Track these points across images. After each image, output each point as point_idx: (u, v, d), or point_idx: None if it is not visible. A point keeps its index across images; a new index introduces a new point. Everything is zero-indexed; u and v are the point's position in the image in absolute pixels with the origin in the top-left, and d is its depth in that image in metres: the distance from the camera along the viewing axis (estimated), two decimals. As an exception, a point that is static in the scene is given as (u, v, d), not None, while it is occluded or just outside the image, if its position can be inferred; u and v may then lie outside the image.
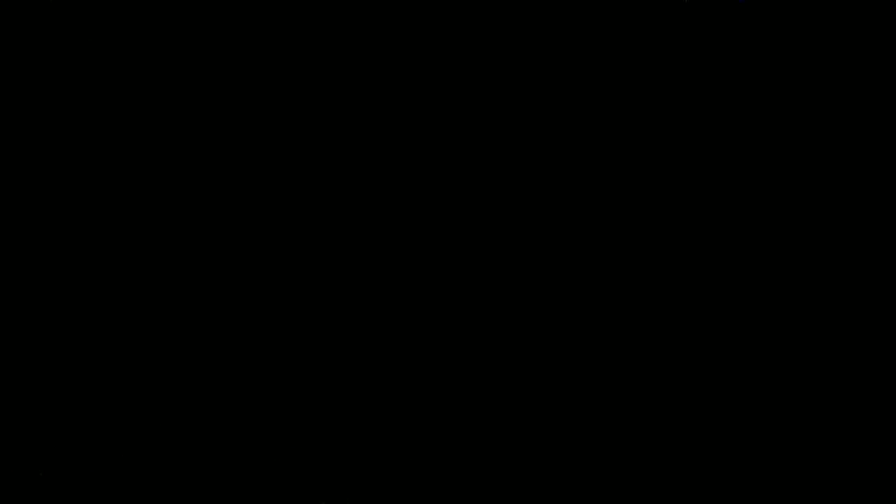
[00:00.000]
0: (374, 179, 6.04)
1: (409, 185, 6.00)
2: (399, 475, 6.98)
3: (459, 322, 6.17)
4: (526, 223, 5.94)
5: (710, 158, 5.62)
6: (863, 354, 5.63)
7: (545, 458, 6.44)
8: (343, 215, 5.99)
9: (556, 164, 5.85)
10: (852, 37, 5.47)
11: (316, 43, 5.66)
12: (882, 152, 5.49)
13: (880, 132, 5.44)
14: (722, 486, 6.10)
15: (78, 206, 5.94)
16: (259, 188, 6.07)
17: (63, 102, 5.77)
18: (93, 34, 5.59)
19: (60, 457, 6.87)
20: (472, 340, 6.25)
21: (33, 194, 6.03)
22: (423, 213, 5.88)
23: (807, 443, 5.95)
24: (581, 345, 6.09)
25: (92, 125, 5.77)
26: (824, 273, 5.58)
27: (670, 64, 5.54)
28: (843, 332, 5.61)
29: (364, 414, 6.67)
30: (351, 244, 5.93)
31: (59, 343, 6.38)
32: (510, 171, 5.75)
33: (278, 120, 5.88)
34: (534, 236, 5.88)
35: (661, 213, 5.80)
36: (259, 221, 5.98)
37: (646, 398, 5.99)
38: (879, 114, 5.39)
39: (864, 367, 5.67)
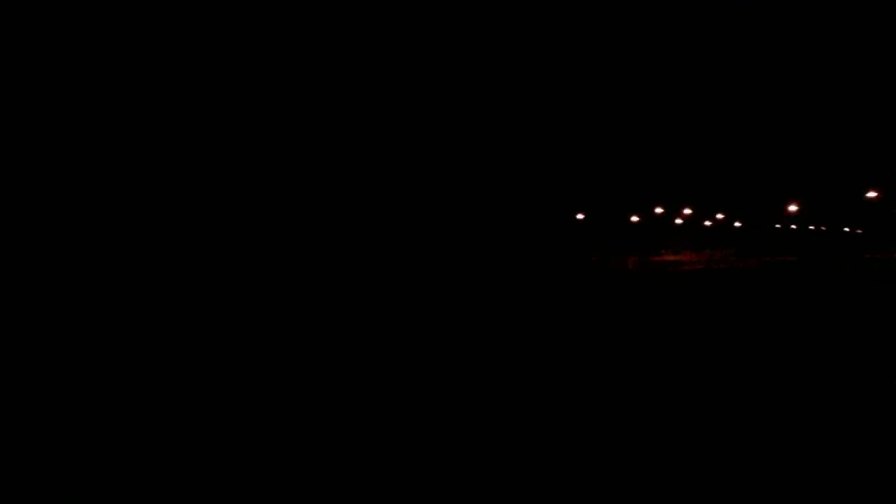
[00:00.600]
0: (369, 184, 6.00)
1: (402, 188, 5.96)
2: (397, 475, 6.92)
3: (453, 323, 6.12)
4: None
5: (712, 157, 5.61)
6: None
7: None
8: (337, 222, 5.95)
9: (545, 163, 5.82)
10: (850, 37, 5.46)
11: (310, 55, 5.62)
12: (881, 145, 5.48)
13: (879, 127, 5.43)
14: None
15: (78, 206, 5.89)
16: (257, 192, 6.03)
17: (63, 103, 5.73)
18: (92, 34, 5.56)
19: (60, 456, 6.81)
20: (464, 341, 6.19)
21: (33, 195, 5.98)
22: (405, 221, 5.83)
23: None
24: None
25: (92, 126, 5.73)
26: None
27: (670, 62, 5.53)
28: None
29: (362, 414, 6.59)
30: (347, 247, 5.89)
31: (59, 343, 6.31)
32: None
33: (275, 126, 5.84)
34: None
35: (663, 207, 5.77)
36: (253, 224, 5.94)
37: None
38: (878, 111, 5.38)
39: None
